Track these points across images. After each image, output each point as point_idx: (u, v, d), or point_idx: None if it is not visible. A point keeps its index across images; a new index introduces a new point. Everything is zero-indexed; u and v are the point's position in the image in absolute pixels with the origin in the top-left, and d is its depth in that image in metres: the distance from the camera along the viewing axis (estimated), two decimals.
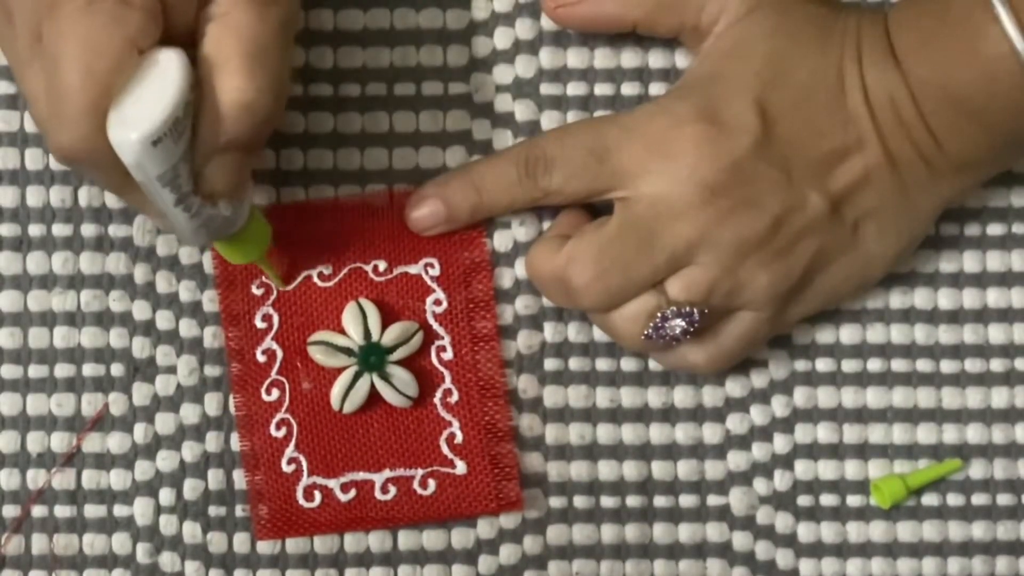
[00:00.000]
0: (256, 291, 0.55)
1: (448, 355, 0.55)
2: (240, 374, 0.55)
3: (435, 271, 0.56)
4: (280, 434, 0.55)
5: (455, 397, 0.55)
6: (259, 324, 0.55)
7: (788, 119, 0.51)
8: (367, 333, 0.54)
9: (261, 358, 0.55)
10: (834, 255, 0.53)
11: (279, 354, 0.55)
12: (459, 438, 0.55)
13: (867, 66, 0.52)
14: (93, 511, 0.55)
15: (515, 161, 0.53)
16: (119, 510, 0.55)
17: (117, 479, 0.55)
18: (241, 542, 0.55)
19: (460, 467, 0.55)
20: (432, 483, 0.55)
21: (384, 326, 0.55)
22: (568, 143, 0.53)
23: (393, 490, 0.55)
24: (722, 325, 0.53)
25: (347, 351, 0.54)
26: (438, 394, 0.55)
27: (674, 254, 0.51)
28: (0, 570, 0.54)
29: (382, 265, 0.55)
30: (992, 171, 0.54)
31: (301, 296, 0.55)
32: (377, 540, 0.55)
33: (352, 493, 0.55)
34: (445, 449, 0.55)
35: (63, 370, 0.55)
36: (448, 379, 0.55)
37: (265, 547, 0.55)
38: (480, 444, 0.55)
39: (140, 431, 0.55)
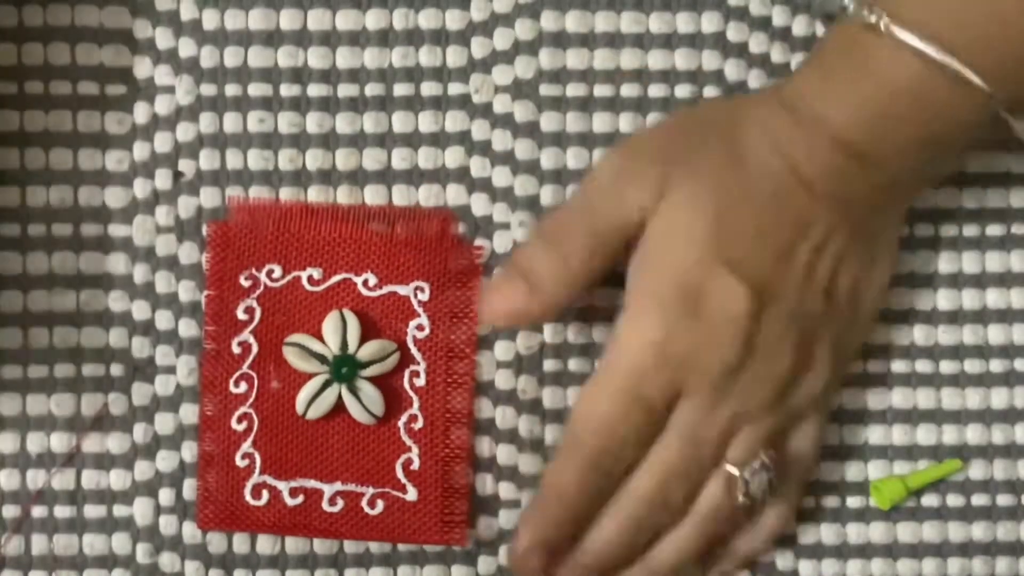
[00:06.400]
0: (244, 283, 0.55)
1: (420, 381, 0.55)
2: (213, 355, 0.55)
3: (424, 296, 0.55)
4: (240, 427, 0.54)
5: (420, 424, 0.55)
6: (240, 316, 0.55)
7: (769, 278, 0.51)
8: (344, 344, 0.54)
9: (236, 349, 0.55)
10: (846, 337, 0.54)
11: (254, 348, 0.55)
12: (416, 464, 0.55)
13: (794, 156, 0.51)
14: (93, 511, 0.55)
15: None
16: (119, 510, 0.55)
17: (117, 479, 0.55)
18: (240, 542, 0.55)
19: (411, 493, 0.55)
20: (380, 504, 0.55)
21: (363, 340, 0.54)
22: None
23: (340, 503, 0.55)
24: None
25: (320, 358, 0.54)
26: (403, 418, 0.55)
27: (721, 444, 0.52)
28: (0, 571, 0.55)
29: (372, 280, 0.55)
30: (941, 172, 0.55)
31: (286, 295, 0.55)
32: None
33: (299, 499, 0.54)
34: (400, 473, 0.55)
35: (63, 370, 0.55)
36: (416, 405, 0.55)
37: (265, 547, 0.55)
38: (435, 475, 0.55)
39: (140, 431, 0.55)
